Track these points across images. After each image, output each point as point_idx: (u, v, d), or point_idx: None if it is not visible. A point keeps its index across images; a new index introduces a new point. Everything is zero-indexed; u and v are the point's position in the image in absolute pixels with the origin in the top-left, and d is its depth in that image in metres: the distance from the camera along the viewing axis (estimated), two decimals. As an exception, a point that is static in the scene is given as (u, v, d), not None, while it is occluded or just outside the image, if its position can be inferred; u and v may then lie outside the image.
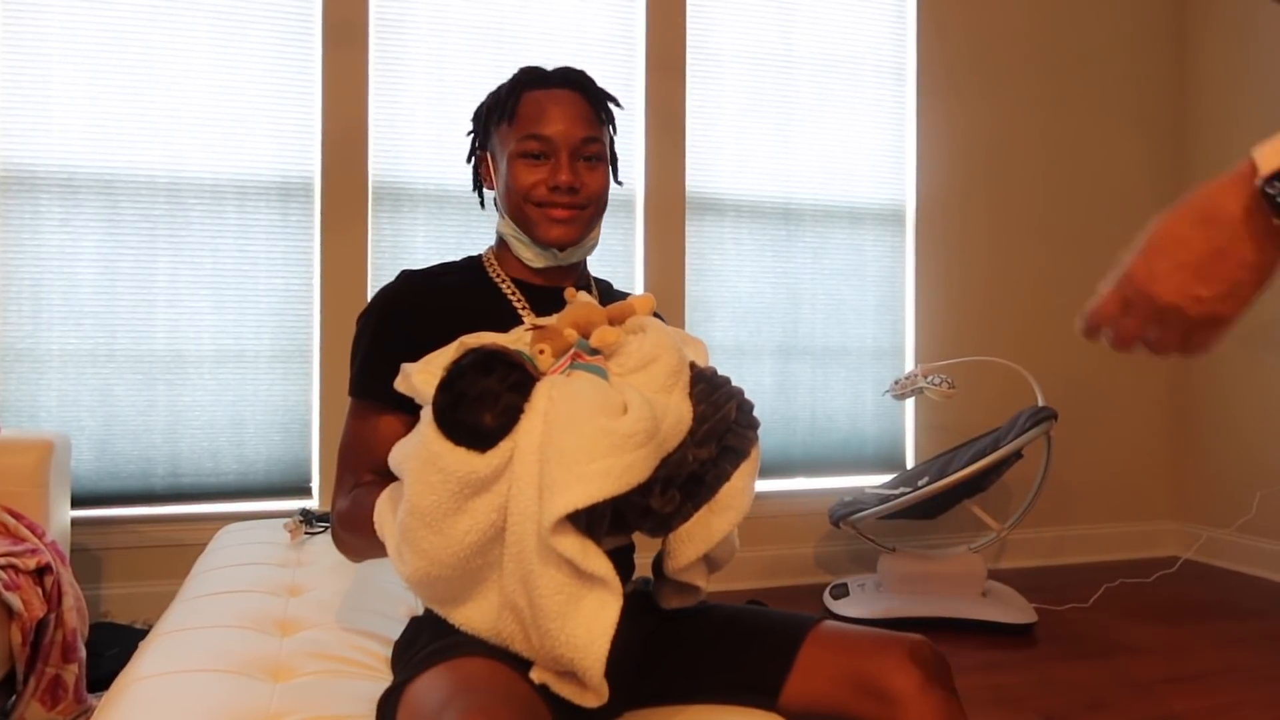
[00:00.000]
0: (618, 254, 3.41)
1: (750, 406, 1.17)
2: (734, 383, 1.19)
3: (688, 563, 1.16)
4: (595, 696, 1.06)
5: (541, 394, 1.07)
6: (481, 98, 1.44)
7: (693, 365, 1.18)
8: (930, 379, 3.15)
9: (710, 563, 1.24)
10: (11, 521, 2.20)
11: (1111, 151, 4.03)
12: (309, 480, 3.11)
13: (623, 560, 1.29)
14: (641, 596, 1.32)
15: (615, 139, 1.44)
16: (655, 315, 1.41)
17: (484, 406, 1.04)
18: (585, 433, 1.01)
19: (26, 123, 2.87)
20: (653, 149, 3.43)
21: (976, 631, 2.95)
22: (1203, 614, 3.18)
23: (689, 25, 3.48)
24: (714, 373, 1.18)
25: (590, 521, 1.03)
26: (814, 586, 3.47)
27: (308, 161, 3.11)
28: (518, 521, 1.03)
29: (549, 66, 1.39)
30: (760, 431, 1.19)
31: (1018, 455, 2.95)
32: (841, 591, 3.17)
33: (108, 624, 2.77)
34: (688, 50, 3.48)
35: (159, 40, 2.98)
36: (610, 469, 1.00)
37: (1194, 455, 4.04)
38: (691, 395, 1.14)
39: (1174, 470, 4.12)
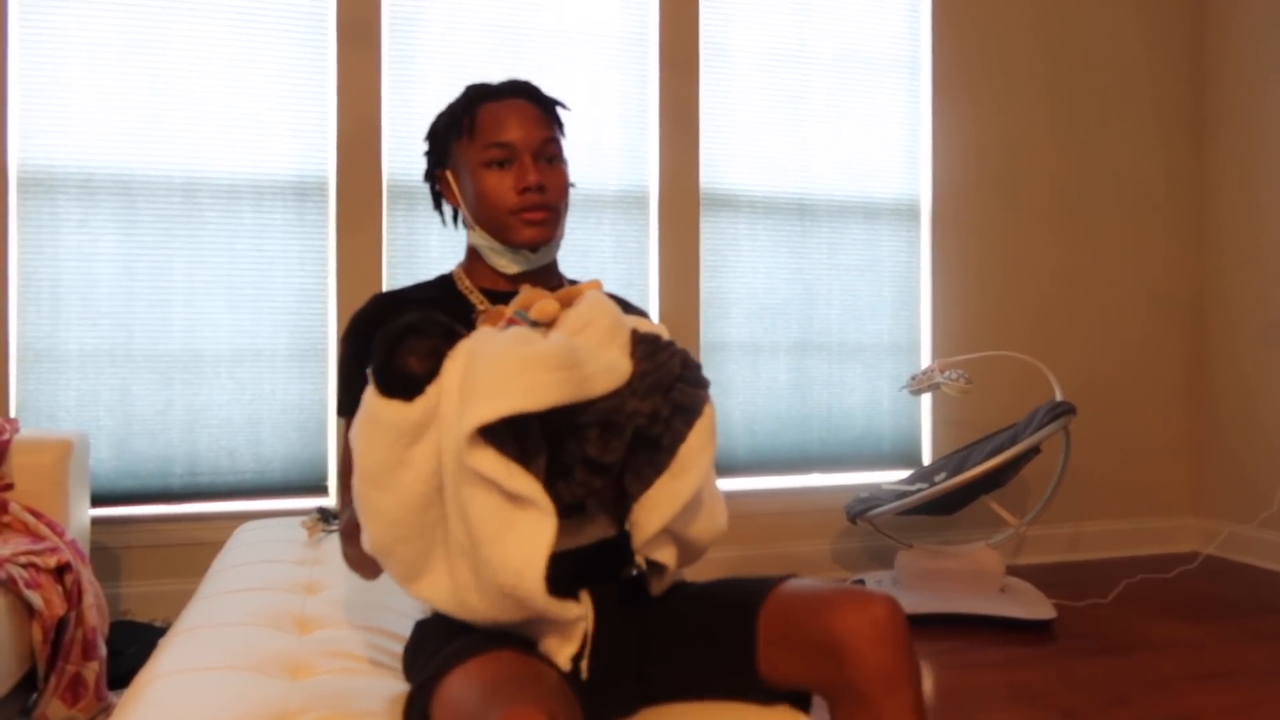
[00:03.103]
0: (632, 251, 3.40)
1: (696, 365, 1.18)
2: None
3: (653, 532, 1.14)
4: (569, 641, 1.10)
5: (464, 343, 1.11)
6: None
7: (636, 330, 1.19)
8: (947, 374, 3.13)
9: (688, 545, 1.22)
10: (32, 520, 2.22)
11: (1128, 146, 4.00)
12: (325, 478, 3.12)
13: (614, 552, 1.28)
14: (637, 584, 1.31)
15: (564, 143, 1.48)
16: (623, 303, 1.45)
17: (410, 354, 1.10)
18: (499, 359, 1.05)
19: (45, 124, 2.89)
20: (666, 145, 3.42)
21: (995, 628, 2.94)
22: (1224, 610, 3.16)
23: (702, 21, 3.47)
24: (658, 337, 1.19)
25: (524, 454, 1.06)
26: (831, 583, 3.45)
27: (323, 161, 3.12)
28: (447, 457, 1.06)
29: (495, 82, 1.44)
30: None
31: (1036, 450, 2.93)
32: (858, 588, 3.16)
33: (127, 622, 2.79)
34: (701, 46, 3.47)
35: (175, 41, 3.00)
36: (519, 386, 1.02)
37: (1214, 450, 4.00)
38: (633, 355, 1.15)
39: (1194, 465, 4.09)
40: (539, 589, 1.03)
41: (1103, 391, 3.93)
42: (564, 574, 1.27)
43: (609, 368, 1.10)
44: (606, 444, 1.08)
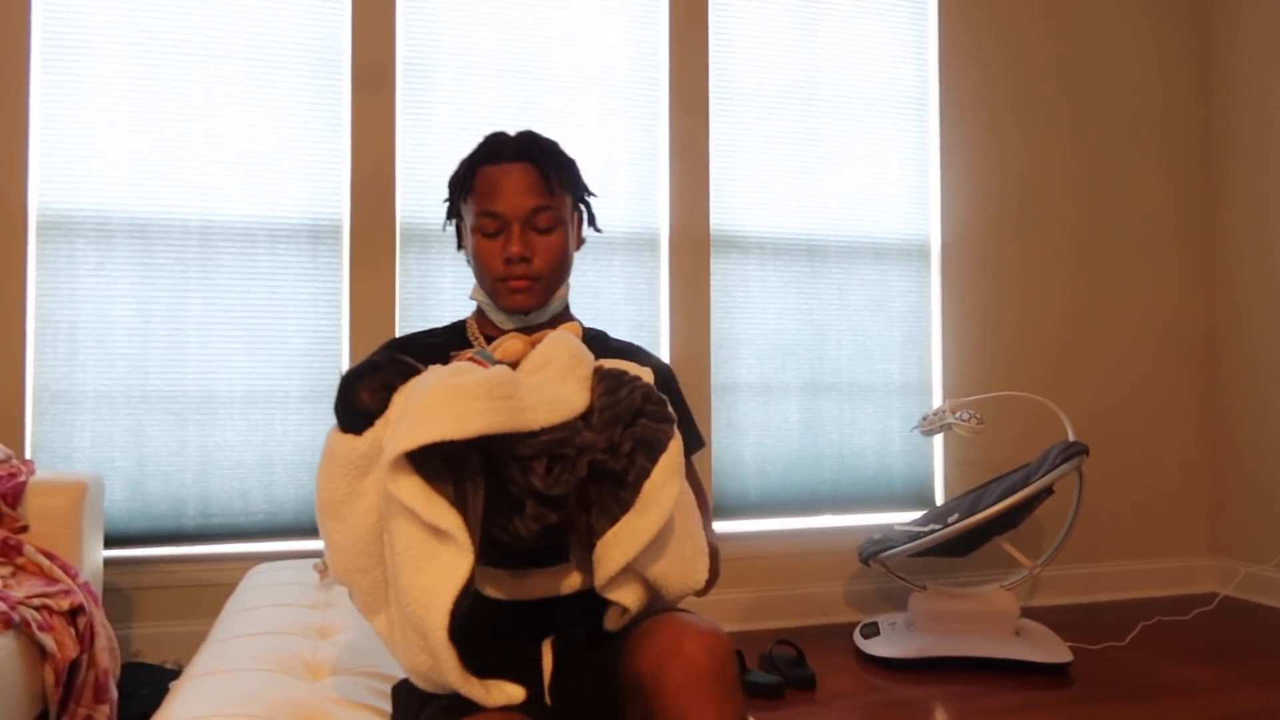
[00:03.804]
0: (643, 293, 3.42)
1: (660, 400, 1.17)
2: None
3: (615, 569, 1.11)
4: (502, 694, 1.06)
5: (413, 380, 1.15)
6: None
7: (599, 367, 1.20)
8: (958, 414, 3.13)
9: (652, 588, 1.18)
10: (46, 563, 2.22)
11: (1137, 184, 4.01)
12: (337, 519, 3.11)
13: (585, 602, 1.26)
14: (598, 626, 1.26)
15: (585, 195, 1.49)
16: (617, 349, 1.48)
17: (363, 389, 1.16)
18: (431, 389, 1.07)
19: (63, 168, 2.94)
20: (677, 187, 3.45)
21: (1010, 671, 2.90)
22: (1243, 652, 3.12)
23: (712, 64, 3.51)
24: (622, 372, 1.20)
25: (461, 487, 1.06)
26: (844, 625, 3.43)
27: (337, 204, 3.15)
28: (381, 486, 1.08)
29: (513, 132, 1.45)
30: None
31: (1049, 491, 2.92)
32: (872, 630, 3.13)
33: (138, 664, 2.78)
34: (711, 89, 3.51)
35: (193, 87, 3.05)
36: (446, 414, 1.04)
37: (1231, 488, 3.97)
38: (595, 390, 1.17)
39: (1210, 504, 4.05)
40: (441, 623, 1.01)
41: (1116, 430, 3.91)
42: (537, 623, 1.26)
43: (554, 400, 1.11)
44: (557, 477, 1.08)
